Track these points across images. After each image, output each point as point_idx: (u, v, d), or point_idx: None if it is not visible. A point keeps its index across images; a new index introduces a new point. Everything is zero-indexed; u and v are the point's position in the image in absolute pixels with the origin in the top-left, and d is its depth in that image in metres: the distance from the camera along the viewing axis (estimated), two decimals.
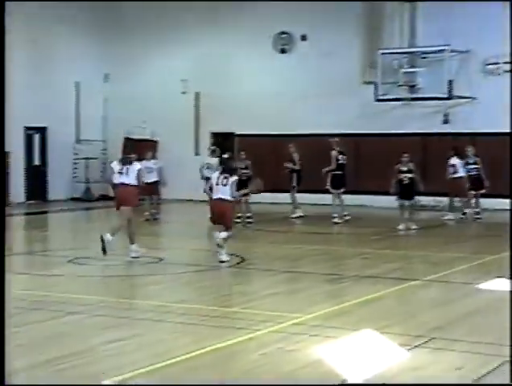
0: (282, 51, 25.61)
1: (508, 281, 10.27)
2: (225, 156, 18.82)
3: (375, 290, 9.82)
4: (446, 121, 23.43)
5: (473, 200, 19.63)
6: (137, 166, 12.82)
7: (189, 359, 6.58)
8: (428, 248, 14.54)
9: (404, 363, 6.59)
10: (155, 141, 25.90)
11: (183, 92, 26.66)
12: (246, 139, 25.13)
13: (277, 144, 23.49)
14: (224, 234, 12.12)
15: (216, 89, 25.98)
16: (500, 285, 10.18)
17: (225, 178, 12.34)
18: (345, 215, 18.65)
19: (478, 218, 19.33)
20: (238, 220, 18.22)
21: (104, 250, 12.13)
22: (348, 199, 19.49)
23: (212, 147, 20.50)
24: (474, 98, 22.75)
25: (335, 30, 24.45)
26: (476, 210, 19.51)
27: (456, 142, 20.44)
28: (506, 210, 21.45)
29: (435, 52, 22.78)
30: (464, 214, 19.57)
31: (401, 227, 17.10)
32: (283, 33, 25.45)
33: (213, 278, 11.33)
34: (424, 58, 23.26)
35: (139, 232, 13.68)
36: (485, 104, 22.48)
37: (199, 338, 7.34)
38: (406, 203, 17.34)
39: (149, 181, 19.19)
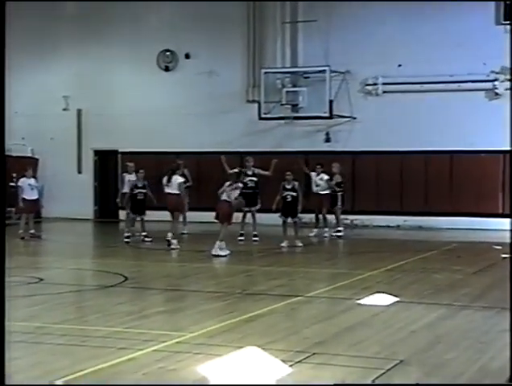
0: (167, 69, 25.58)
1: (387, 296, 10.57)
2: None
3: (259, 307, 9.88)
4: (328, 140, 23.96)
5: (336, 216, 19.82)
6: None
7: (68, 381, 6.42)
8: (310, 265, 14.78)
9: (285, 379, 6.65)
10: (36, 159, 25.30)
11: (65, 109, 26.18)
12: (130, 157, 24.90)
13: (162, 161, 23.36)
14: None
15: (100, 106, 25.67)
16: (379, 300, 10.44)
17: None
18: (255, 235, 18.44)
19: (339, 235, 19.47)
20: (127, 239, 18.00)
21: None
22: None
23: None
24: (354, 118, 23.38)
25: (219, 49, 24.67)
26: (339, 228, 19.67)
27: (338, 160, 20.89)
28: (383, 226, 22.16)
29: (316, 72, 23.31)
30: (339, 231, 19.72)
31: (284, 244, 17.29)
32: (167, 51, 25.44)
33: (96, 298, 11.13)
34: (306, 78, 23.77)
35: (17, 251, 13.29)
36: (365, 124, 23.15)
37: (79, 359, 7.18)
38: (289, 220, 17.56)
39: (31, 198, 18.80)
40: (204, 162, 23.52)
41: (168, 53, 25.45)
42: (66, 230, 23.55)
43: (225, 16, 24.61)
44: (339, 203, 19.65)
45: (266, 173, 18.39)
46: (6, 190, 18.99)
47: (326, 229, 19.75)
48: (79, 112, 26.31)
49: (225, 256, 15.44)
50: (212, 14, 24.66)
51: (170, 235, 17.09)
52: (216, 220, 16.00)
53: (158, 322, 9.13)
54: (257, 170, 18.43)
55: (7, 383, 6.13)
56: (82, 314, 9.85)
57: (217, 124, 24.37)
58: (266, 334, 8.34)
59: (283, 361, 7.07)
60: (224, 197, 15.61)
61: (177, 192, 16.74)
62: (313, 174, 19.87)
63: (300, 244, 17.35)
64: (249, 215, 18.37)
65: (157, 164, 23.05)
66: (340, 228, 19.71)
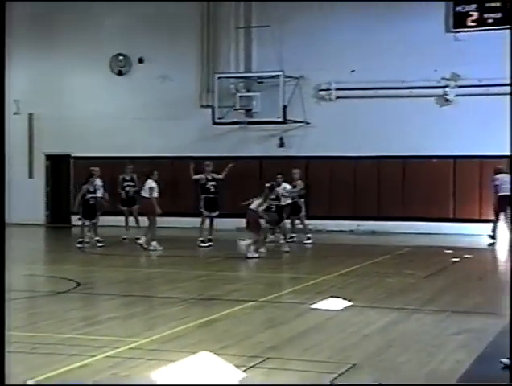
0: (120, 73, 25.42)
1: (340, 301, 10.63)
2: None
3: (212, 312, 9.87)
4: (282, 145, 24.05)
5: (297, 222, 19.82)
6: None
7: None
8: (265, 270, 14.82)
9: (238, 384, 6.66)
10: None
11: (16, 113, 25.84)
12: (83, 162, 24.70)
13: (116, 167, 23.16)
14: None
15: (52, 110, 25.41)
16: (333, 304, 10.50)
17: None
18: (209, 240, 18.53)
19: (309, 243, 19.44)
20: (80, 245, 17.85)
21: None
22: (189, 221, 19.59)
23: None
24: (307, 123, 23.51)
25: (172, 53, 24.61)
26: (308, 235, 19.62)
27: (292, 165, 20.93)
28: (337, 231, 22.33)
29: (270, 77, 23.39)
30: (292, 237, 19.66)
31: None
32: (120, 55, 25.29)
33: (47, 304, 10.99)
34: (260, 83, 23.84)
35: None
36: (318, 129, 23.30)
37: (30, 367, 7.08)
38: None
39: None
40: (158, 167, 23.34)
41: (121, 57, 25.29)
42: (17, 235, 23.17)
43: (179, 21, 24.56)
44: (303, 210, 19.64)
45: (219, 176, 18.48)
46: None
47: (282, 236, 19.67)
48: (30, 116, 25.99)
49: (257, 257, 16.16)
50: (165, 19, 24.58)
51: (143, 239, 17.44)
52: (246, 229, 16.86)
53: (111, 328, 9.05)
54: (212, 175, 18.47)
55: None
56: (33, 321, 9.72)
57: (171, 129, 24.30)
58: (220, 339, 8.33)
59: (237, 366, 7.07)
60: (252, 207, 16.44)
61: (147, 196, 17.45)
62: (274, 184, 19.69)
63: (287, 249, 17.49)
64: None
65: (111, 169, 22.89)
66: (309, 235, 19.64)
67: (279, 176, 18.81)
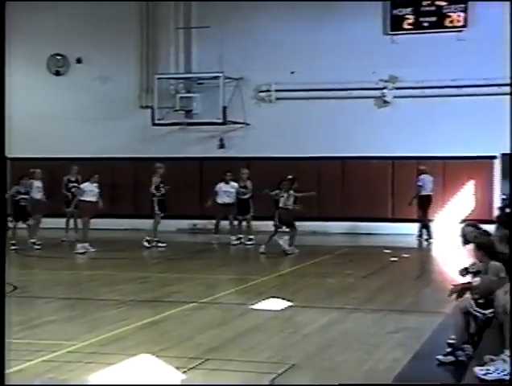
0: (57, 73, 25.10)
1: (280, 301, 10.69)
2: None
3: (152, 314, 9.83)
4: (222, 146, 24.05)
5: (244, 224, 19.83)
6: None
7: None
8: (206, 271, 14.79)
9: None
10: None
11: None
12: (21, 163, 24.30)
13: (54, 168, 22.84)
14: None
15: None
16: (273, 305, 10.54)
17: None
18: (158, 241, 18.78)
19: (251, 244, 19.37)
20: (14, 247, 17.57)
21: None
22: (128, 223, 19.46)
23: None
24: (247, 124, 23.57)
25: (111, 54, 24.39)
26: (250, 236, 19.59)
27: (232, 166, 20.95)
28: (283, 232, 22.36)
29: (210, 78, 23.38)
30: (240, 239, 19.71)
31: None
32: (58, 55, 24.97)
33: None
34: (200, 84, 23.81)
35: None
36: (258, 130, 23.37)
37: None
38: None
39: None
40: (99, 167, 23.11)
41: (59, 57, 24.97)
42: None
43: (119, 21, 24.34)
44: (251, 211, 19.69)
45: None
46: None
47: (233, 237, 19.65)
48: None
49: (289, 253, 17.00)
50: (104, 19, 24.34)
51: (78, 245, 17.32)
52: (280, 225, 17.49)
53: (49, 332, 8.93)
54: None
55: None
56: None
57: (110, 130, 24.07)
58: (160, 341, 8.30)
59: (177, 368, 7.06)
60: (281, 205, 17.32)
61: (89, 199, 17.48)
62: (221, 184, 19.69)
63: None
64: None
65: (49, 170, 22.58)
66: (251, 236, 19.62)
67: (229, 174, 19.43)
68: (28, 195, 18.10)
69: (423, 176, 20.52)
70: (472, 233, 7.47)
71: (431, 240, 20.21)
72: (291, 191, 17.44)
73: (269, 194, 17.80)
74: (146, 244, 18.51)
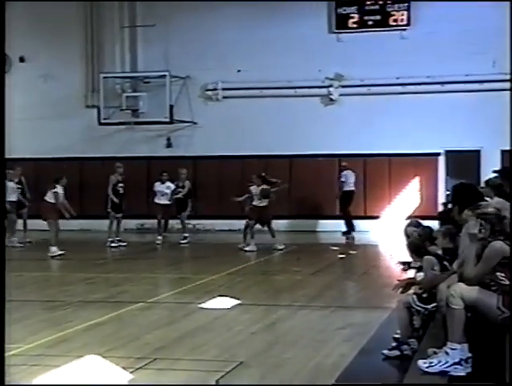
0: None
1: (228, 299, 10.69)
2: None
3: (99, 315, 9.75)
4: (169, 145, 23.97)
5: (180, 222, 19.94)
6: None
7: None
8: (153, 270, 14.73)
9: None
10: None
11: None
12: None
13: None
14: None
15: None
16: (220, 303, 10.54)
17: None
18: (120, 240, 18.90)
19: (185, 242, 19.40)
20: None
21: None
22: (74, 224, 19.23)
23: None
24: (195, 123, 23.52)
25: (56, 52, 24.11)
26: (185, 234, 19.62)
27: (179, 165, 20.90)
28: (226, 231, 22.40)
29: (156, 77, 23.27)
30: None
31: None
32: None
33: None
34: (146, 83, 23.69)
35: None
36: (205, 129, 23.34)
37: None
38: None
39: None
40: (42, 168, 22.85)
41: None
42: None
43: (63, 18, 24.08)
44: (188, 209, 19.74)
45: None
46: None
47: (167, 235, 19.67)
48: None
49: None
50: (48, 17, 24.06)
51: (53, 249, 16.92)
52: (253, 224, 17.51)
53: None
54: (122, 177, 19.06)
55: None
56: None
57: (55, 129, 23.78)
58: (106, 341, 8.24)
59: (124, 368, 7.02)
60: (255, 203, 17.54)
61: (51, 201, 16.93)
62: (157, 183, 19.72)
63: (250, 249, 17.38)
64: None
65: None
66: (186, 234, 19.66)
67: (165, 174, 19.48)
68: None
69: (345, 172, 20.96)
70: (414, 233, 7.58)
71: (352, 235, 20.44)
72: (264, 186, 17.53)
73: (238, 200, 17.90)
74: (112, 244, 18.55)
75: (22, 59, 24.60)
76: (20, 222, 19.70)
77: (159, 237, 19.36)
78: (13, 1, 23.46)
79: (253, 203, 17.67)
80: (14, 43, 24.29)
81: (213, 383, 6.63)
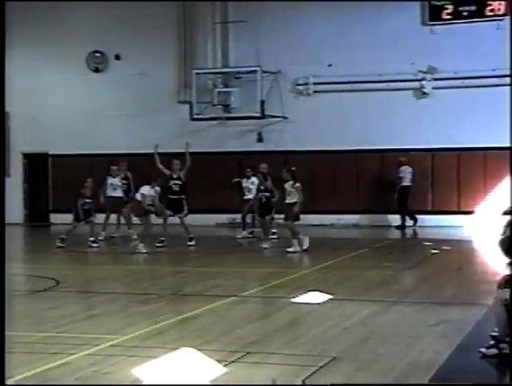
0: (97, 70, 25.31)
1: (320, 294, 10.66)
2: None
3: (193, 308, 9.86)
4: (260, 140, 24.06)
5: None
6: None
7: None
8: (244, 265, 14.81)
9: (220, 379, 6.66)
10: None
11: None
12: (62, 159, 24.64)
13: (95, 164, 23.05)
14: None
15: (28, 108, 25.23)
16: (313, 298, 10.52)
17: None
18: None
19: (274, 238, 18.84)
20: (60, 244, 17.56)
21: None
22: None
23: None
24: (285, 117, 23.53)
25: (149, 50, 24.52)
26: (273, 230, 18.99)
27: (270, 160, 20.90)
28: (317, 225, 22.33)
29: (247, 73, 23.38)
30: (252, 233, 19.55)
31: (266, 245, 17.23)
32: (97, 52, 25.17)
33: (26, 303, 10.94)
34: (237, 78, 23.83)
35: None
36: (296, 124, 23.31)
37: (9, 366, 7.04)
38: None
39: None
40: (138, 163, 23.24)
41: (98, 54, 25.18)
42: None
43: (156, 17, 24.47)
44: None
45: (187, 164, 17.69)
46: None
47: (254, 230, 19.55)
48: (7, 114, 25.79)
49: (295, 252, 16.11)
50: (142, 15, 24.49)
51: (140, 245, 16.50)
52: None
53: (91, 326, 9.02)
54: (178, 174, 17.59)
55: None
56: (12, 320, 9.64)
57: (149, 125, 24.20)
58: (201, 334, 8.33)
59: (218, 361, 7.07)
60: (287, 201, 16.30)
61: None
62: (244, 179, 19.63)
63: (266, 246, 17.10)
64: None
65: (89, 166, 22.83)
66: (274, 230, 19.51)
67: (248, 170, 19.39)
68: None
69: (403, 167, 21.34)
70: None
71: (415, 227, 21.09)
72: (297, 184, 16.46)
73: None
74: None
75: (117, 57, 25.13)
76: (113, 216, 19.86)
77: (244, 232, 19.43)
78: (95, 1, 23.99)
79: (286, 201, 16.46)
80: (109, 42, 24.85)
81: (303, 378, 6.60)
